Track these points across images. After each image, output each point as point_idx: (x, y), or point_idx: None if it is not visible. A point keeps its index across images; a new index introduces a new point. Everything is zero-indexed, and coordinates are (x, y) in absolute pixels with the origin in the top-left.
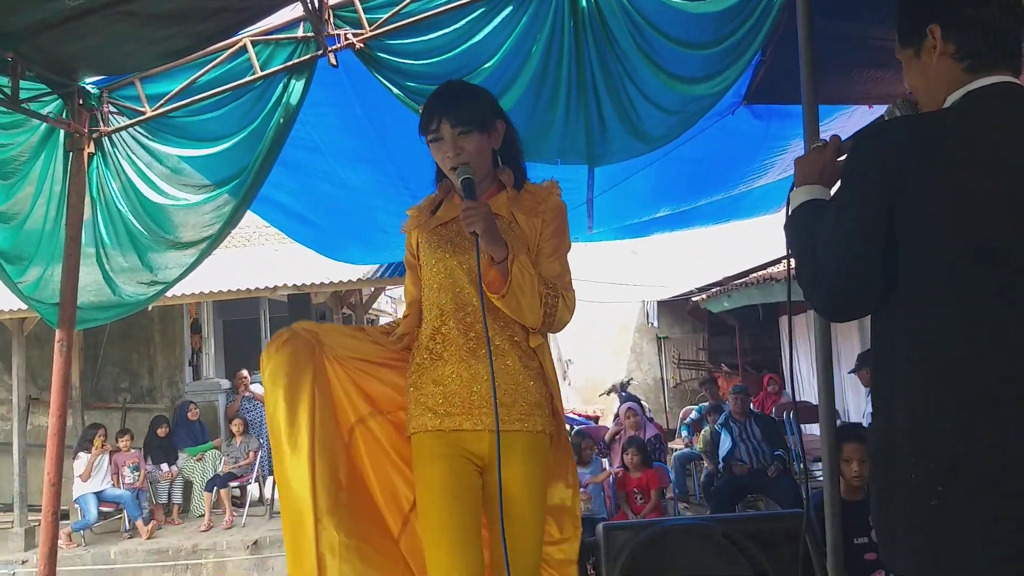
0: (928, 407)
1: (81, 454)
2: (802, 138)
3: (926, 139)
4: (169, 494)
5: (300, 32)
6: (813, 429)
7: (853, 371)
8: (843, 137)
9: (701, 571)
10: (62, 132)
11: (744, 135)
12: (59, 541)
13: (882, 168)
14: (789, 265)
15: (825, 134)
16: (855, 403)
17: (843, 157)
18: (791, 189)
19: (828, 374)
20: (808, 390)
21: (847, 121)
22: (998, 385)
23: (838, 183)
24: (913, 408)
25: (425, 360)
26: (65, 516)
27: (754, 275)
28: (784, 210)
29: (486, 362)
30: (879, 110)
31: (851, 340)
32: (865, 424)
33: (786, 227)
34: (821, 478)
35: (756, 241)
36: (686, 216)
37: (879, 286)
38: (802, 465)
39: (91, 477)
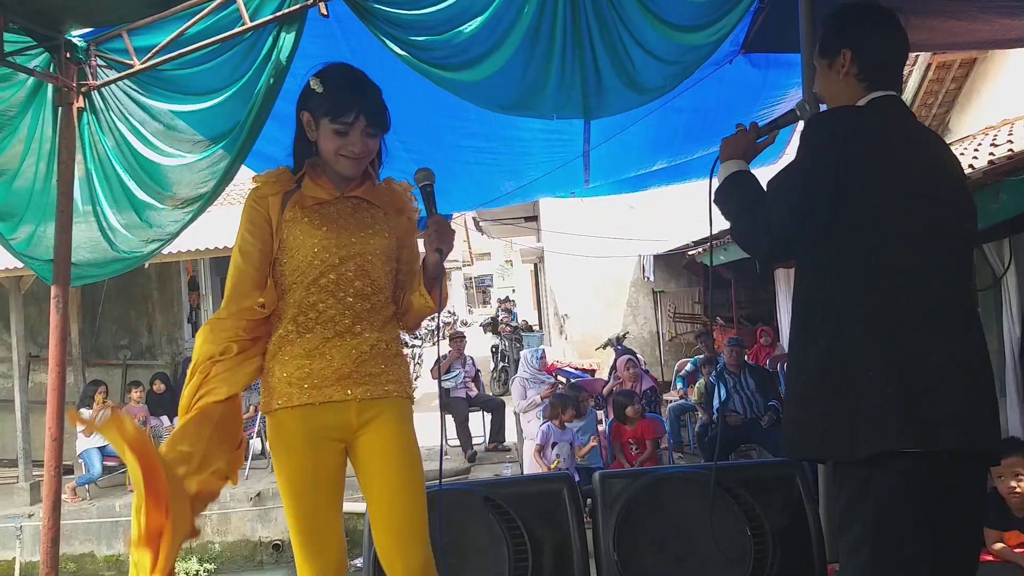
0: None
1: (83, 410)
2: (800, 87)
3: (861, 124)
4: None
5: None
6: None
7: None
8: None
9: (696, 517)
10: (50, 87)
11: (742, 84)
12: (64, 495)
13: (832, 139)
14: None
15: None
16: None
17: (761, 139)
18: (717, 163)
19: None
20: None
21: None
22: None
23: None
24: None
25: (291, 333)
26: (69, 471)
27: None
28: (711, 181)
29: (362, 338)
30: None
31: None
32: None
33: (718, 193)
34: None
35: None
36: (683, 169)
37: (820, 232)
38: None
39: (94, 432)
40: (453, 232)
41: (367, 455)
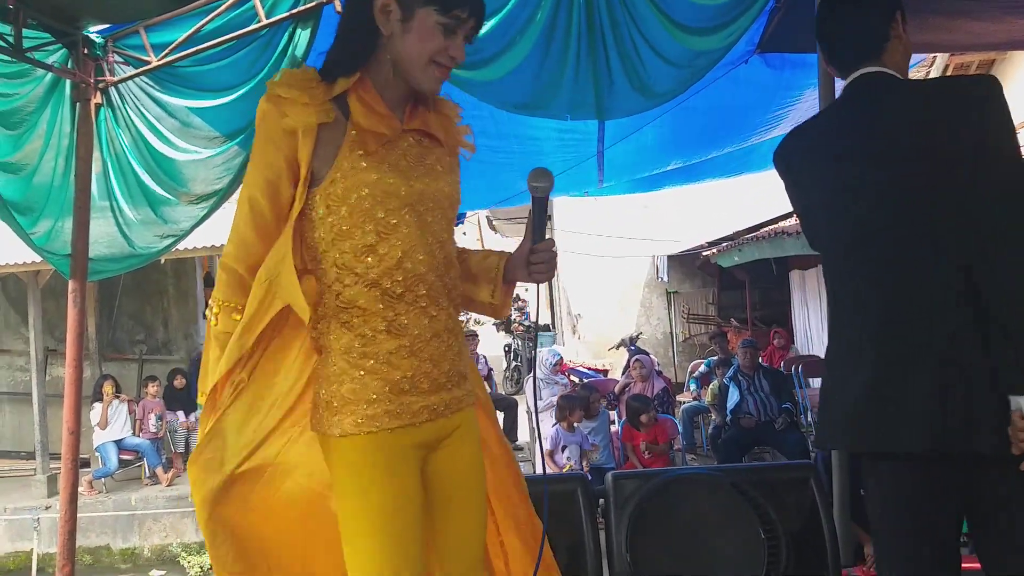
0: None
1: (96, 404)
2: (816, 88)
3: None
4: (187, 443)
5: None
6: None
7: None
8: None
9: (709, 519)
10: (68, 83)
11: (757, 85)
12: (80, 488)
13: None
14: None
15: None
16: None
17: None
18: None
19: None
20: (817, 344)
21: None
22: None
23: None
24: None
25: (336, 330)
26: (86, 464)
27: (765, 229)
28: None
29: (447, 334)
30: None
31: None
32: None
33: None
34: None
35: (767, 195)
36: (697, 169)
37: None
38: (809, 418)
39: (109, 426)
40: (553, 258)
41: (446, 478)
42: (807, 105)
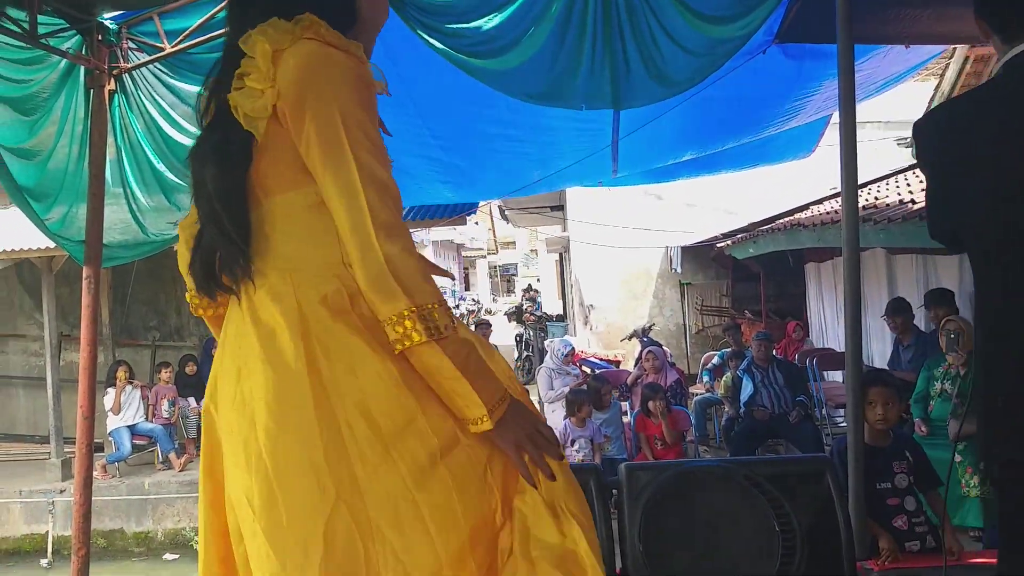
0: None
1: (109, 389)
2: (835, 78)
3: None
4: (199, 428)
5: None
6: (835, 377)
7: (885, 316)
8: None
9: (723, 511)
10: (82, 69)
11: (775, 75)
12: (94, 472)
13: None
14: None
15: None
16: (880, 350)
17: None
18: None
19: (856, 320)
20: (832, 337)
21: (882, 61)
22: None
23: None
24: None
25: None
26: (100, 449)
27: (781, 221)
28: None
29: None
30: (916, 50)
31: (879, 287)
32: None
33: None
34: (843, 425)
35: (783, 186)
36: (712, 160)
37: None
38: (823, 411)
39: (123, 411)
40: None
41: None
42: (825, 96)
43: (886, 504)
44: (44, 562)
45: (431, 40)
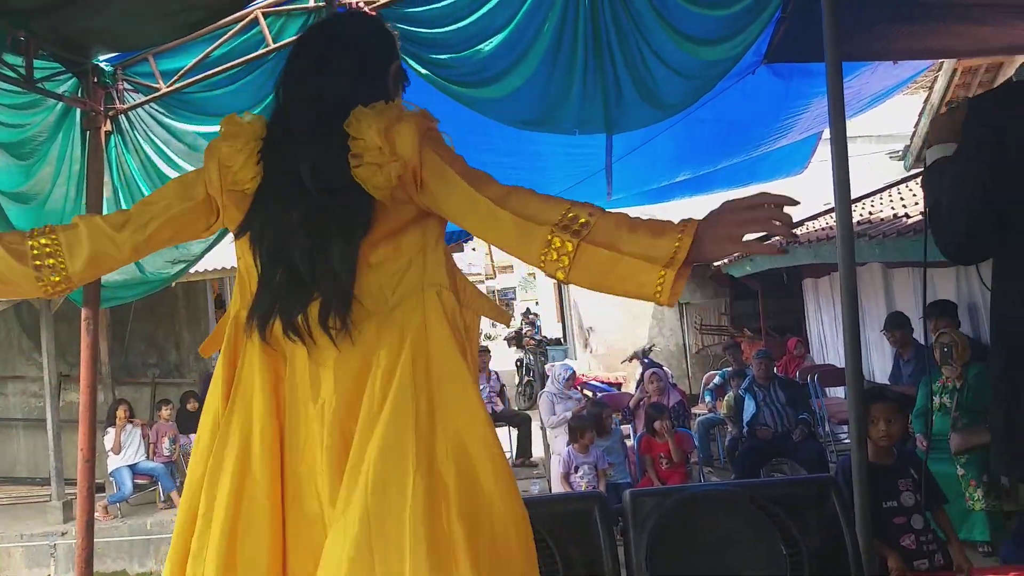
0: None
1: (109, 429)
2: (824, 96)
3: None
4: None
5: (311, 1)
6: (837, 392)
7: (884, 330)
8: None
9: (730, 536)
10: (78, 111)
11: (765, 95)
12: (96, 514)
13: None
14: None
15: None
16: (880, 364)
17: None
18: (927, 147)
19: (855, 336)
20: (832, 353)
21: (870, 77)
22: None
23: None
24: None
25: None
26: (101, 489)
27: (775, 238)
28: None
29: None
30: (904, 65)
31: (877, 301)
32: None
33: (923, 182)
34: (847, 441)
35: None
36: (706, 180)
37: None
38: (826, 428)
39: (123, 450)
40: None
41: None
42: (816, 113)
43: (893, 523)
44: None
45: (422, 71)
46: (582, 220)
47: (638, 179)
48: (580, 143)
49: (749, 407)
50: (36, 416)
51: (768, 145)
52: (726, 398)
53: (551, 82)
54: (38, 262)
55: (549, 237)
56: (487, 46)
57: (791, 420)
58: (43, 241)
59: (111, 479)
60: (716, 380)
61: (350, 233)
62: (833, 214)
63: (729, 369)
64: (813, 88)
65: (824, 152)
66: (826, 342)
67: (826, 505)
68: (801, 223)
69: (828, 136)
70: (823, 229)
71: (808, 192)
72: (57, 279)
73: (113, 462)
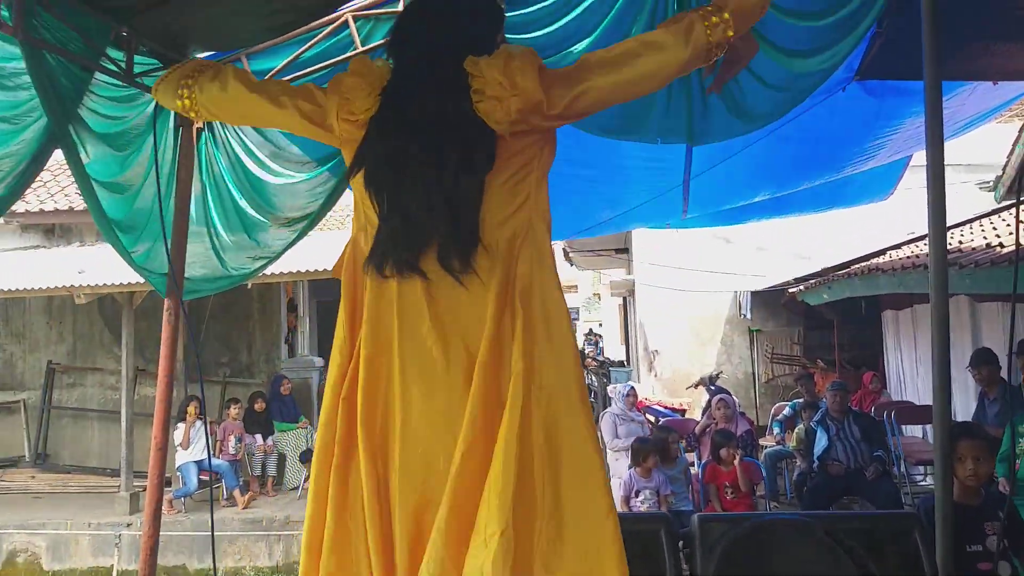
0: None
1: (179, 424)
2: (919, 116)
3: None
4: (263, 466)
5: (401, 6)
6: (914, 432)
7: (969, 367)
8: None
9: (802, 569)
10: None
11: (855, 113)
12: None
13: None
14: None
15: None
16: (963, 403)
17: None
18: None
19: (944, 369)
20: (911, 390)
21: (968, 98)
22: None
23: None
24: None
25: None
26: (168, 483)
27: (857, 266)
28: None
29: None
30: (1005, 88)
31: (963, 336)
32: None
33: None
34: (923, 483)
35: (856, 230)
36: (785, 202)
37: None
38: (902, 468)
39: (191, 446)
40: None
41: None
42: (908, 135)
43: (977, 569)
44: None
45: None
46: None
47: (715, 197)
48: (659, 156)
49: (821, 441)
50: (111, 408)
51: (854, 167)
52: (796, 430)
53: None
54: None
55: (704, 22)
56: (574, 50)
57: (865, 457)
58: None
59: (178, 474)
60: (786, 411)
61: (474, 167)
62: (919, 243)
63: (800, 400)
64: (907, 108)
65: (909, 180)
66: (905, 378)
67: (907, 543)
68: (884, 251)
69: (916, 163)
70: (908, 258)
71: (889, 221)
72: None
73: (181, 457)
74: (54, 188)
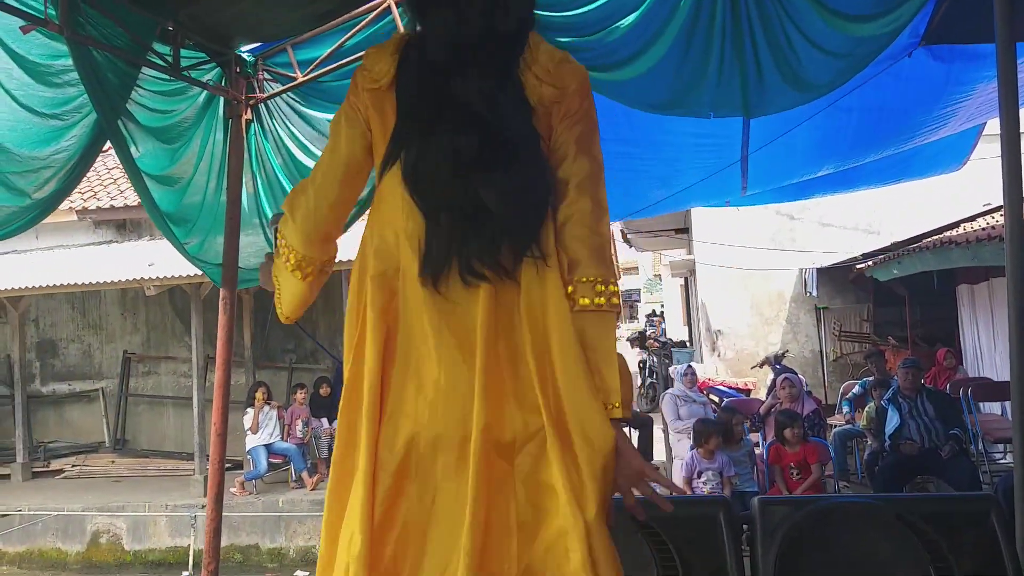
0: None
1: (248, 409)
2: (991, 81)
3: None
4: (330, 448)
5: None
6: (992, 408)
7: None
8: None
9: (870, 554)
10: (221, 99)
11: (921, 80)
12: (232, 489)
13: None
14: None
15: None
16: None
17: None
18: None
19: (1022, 344)
20: (988, 365)
21: None
22: None
23: None
24: None
25: None
26: (239, 466)
27: (928, 239)
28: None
29: None
30: None
31: None
32: None
33: None
34: (1003, 461)
35: (927, 203)
36: (851, 175)
37: None
38: (980, 446)
39: (260, 430)
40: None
41: None
42: (980, 101)
43: None
44: (185, 574)
45: None
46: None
47: (775, 173)
48: (713, 132)
49: (893, 419)
50: (184, 395)
51: (922, 138)
52: (866, 409)
53: (685, 62)
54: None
55: (612, 284)
56: (617, 28)
57: (940, 435)
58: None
59: (248, 457)
60: (856, 390)
61: (531, 142)
62: (992, 215)
63: (870, 378)
64: (978, 73)
65: (983, 150)
66: (982, 354)
67: (984, 526)
68: (957, 224)
69: (989, 132)
70: (983, 229)
71: (962, 193)
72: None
73: (250, 441)
74: (124, 185)
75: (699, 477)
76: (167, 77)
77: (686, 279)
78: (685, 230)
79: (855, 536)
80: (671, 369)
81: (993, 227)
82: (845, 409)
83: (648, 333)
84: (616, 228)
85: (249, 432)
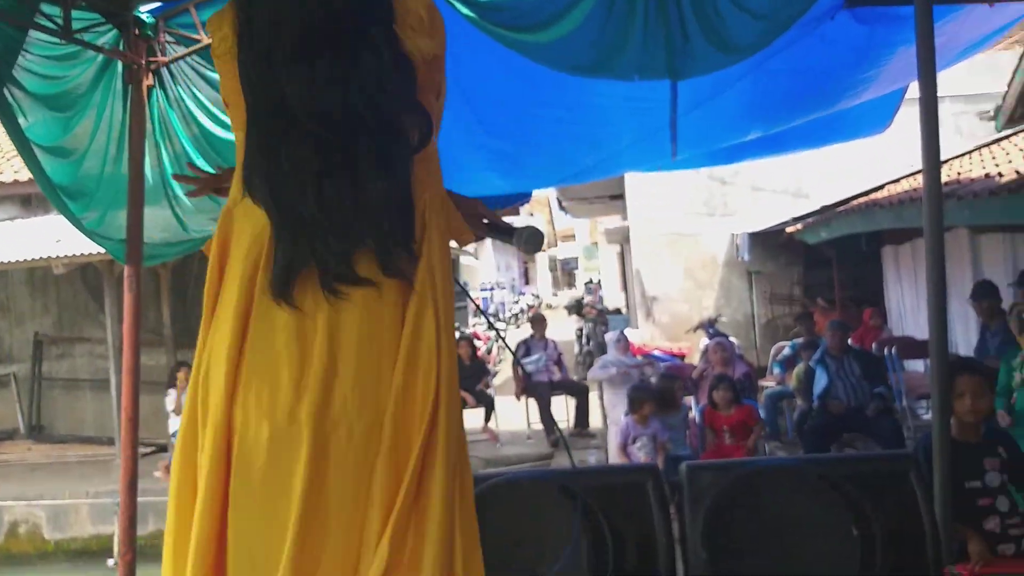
0: None
1: (170, 390)
2: (911, 44)
3: None
4: None
5: None
6: (916, 366)
7: (971, 300)
8: None
9: (797, 516)
10: (119, 64)
11: (845, 43)
12: (157, 473)
13: None
14: None
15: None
16: (965, 337)
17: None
18: None
19: (940, 303)
20: (912, 324)
21: (964, 21)
22: None
23: None
24: None
25: None
26: (164, 449)
27: (855, 202)
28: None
29: None
30: (1001, 9)
31: (963, 269)
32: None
33: None
34: (926, 418)
35: (855, 167)
36: (779, 139)
37: None
38: (904, 403)
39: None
40: None
41: None
42: (901, 64)
43: (976, 505)
44: (110, 562)
45: (467, 12)
46: None
47: (705, 137)
48: (643, 96)
49: (821, 380)
50: (102, 377)
51: (848, 101)
52: (796, 370)
53: (608, 24)
54: None
55: None
56: None
57: (865, 394)
58: None
59: (172, 440)
60: (786, 351)
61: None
62: (916, 176)
63: (800, 340)
64: (900, 35)
65: (907, 113)
66: (906, 313)
67: (903, 484)
68: (882, 187)
69: (912, 96)
70: (906, 192)
71: (893, 155)
72: None
73: (175, 423)
74: None
75: (634, 443)
76: (57, 41)
77: (622, 246)
78: (620, 196)
79: (782, 498)
80: (606, 336)
81: (916, 189)
82: (776, 371)
83: (587, 301)
84: (552, 195)
85: (172, 414)
